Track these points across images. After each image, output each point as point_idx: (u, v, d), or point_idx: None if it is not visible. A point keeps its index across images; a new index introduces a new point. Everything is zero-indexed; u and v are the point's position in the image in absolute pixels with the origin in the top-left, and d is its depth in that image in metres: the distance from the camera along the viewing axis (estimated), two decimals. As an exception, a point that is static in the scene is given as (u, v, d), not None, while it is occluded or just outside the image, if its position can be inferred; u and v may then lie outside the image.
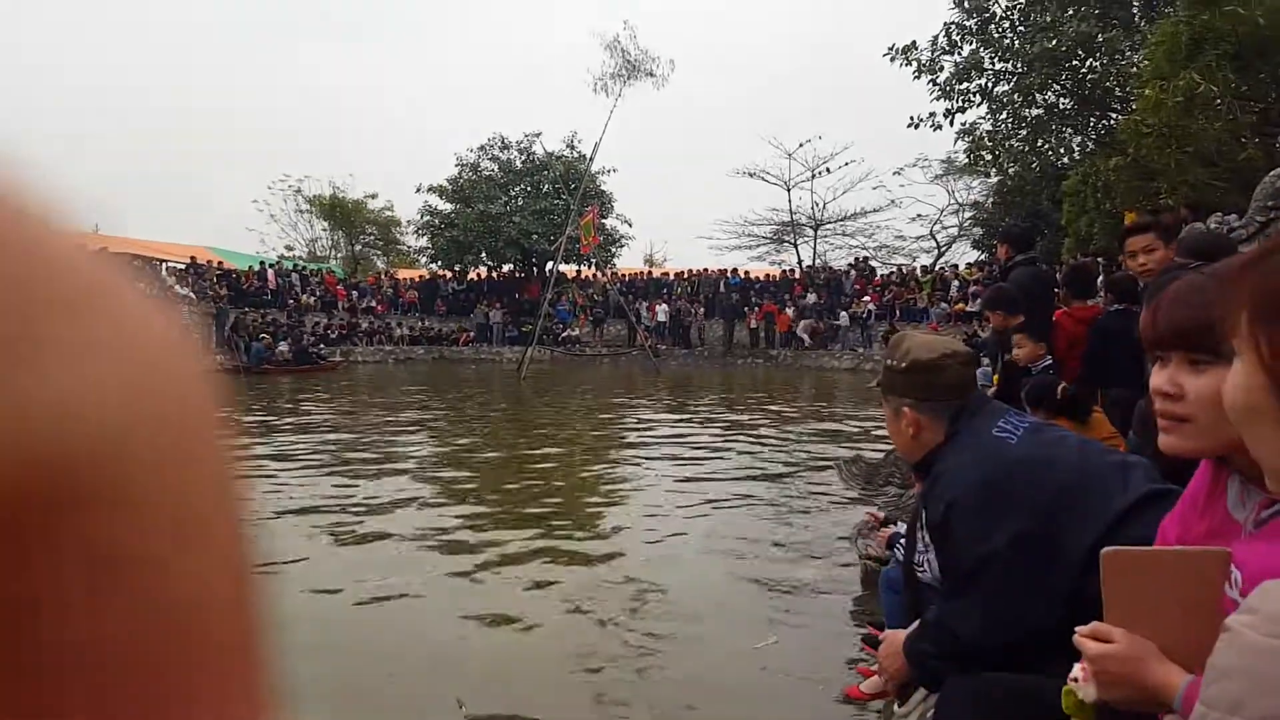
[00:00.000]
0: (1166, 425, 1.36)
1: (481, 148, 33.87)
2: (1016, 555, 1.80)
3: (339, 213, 39.60)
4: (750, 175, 36.60)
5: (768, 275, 33.40)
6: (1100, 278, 9.78)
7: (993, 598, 1.82)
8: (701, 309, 30.03)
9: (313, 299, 29.17)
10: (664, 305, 30.06)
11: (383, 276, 34.36)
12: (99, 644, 0.20)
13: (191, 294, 24.70)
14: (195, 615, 0.21)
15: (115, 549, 0.20)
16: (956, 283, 26.65)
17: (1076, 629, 1.32)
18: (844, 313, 27.57)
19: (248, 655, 0.23)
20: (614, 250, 33.67)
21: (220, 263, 29.47)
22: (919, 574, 2.95)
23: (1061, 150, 19.37)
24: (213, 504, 0.22)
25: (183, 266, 27.89)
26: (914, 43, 18.49)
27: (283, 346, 23.57)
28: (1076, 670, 1.50)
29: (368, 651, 3.93)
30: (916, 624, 2.06)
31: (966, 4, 18.06)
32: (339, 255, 41.34)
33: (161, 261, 28.05)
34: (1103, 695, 1.33)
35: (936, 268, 30.79)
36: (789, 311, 28.22)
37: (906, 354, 2.05)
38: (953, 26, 18.28)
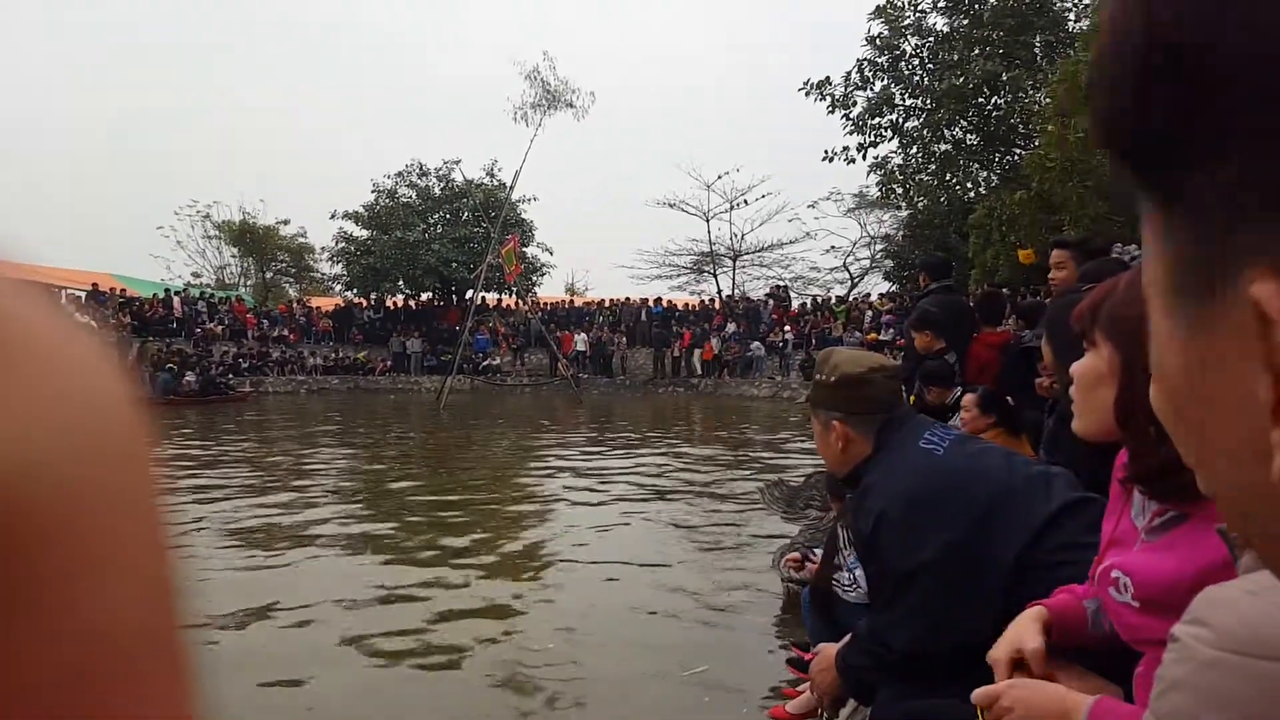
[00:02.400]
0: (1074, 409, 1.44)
1: (399, 174, 33.38)
2: (946, 565, 1.81)
3: (249, 239, 38.55)
4: (670, 205, 37.00)
5: (688, 304, 33.71)
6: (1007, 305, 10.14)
7: (924, 608, 1.83)
8: (624, 338, 30.05)
9: (221, 327, 28.15)
10: (582, 335, 29.94)
11: (295, 304, 33.47)
12: (22, 669, 0.19)
13: (93, 322, 23.56)
14: (118, 639, 0.21)
15: (34, 578, 0.19)
16: (870, 313, 27.34)
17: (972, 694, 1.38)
18: (756, 343, 27.95)
19: (174, 677, 0.23)
20: (535, 279, 33.52)
21: (123, 290, 28.27)
22: (843, 593, 2.96)
23: (969, 185, 20.14)
24: (136, 531, 0.22)
25: (84, 294, 26.66)
26: (828, 78, 19.07)
27: (189, 377, 22.66)
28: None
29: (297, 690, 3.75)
30: (848, 637, 2.05)
31: (878, 41, 18.70)
32: (249, 283, 40.19)
33: (61, 289, 26.80)
34: None
35: (850, 298, 31.56)
36: (713, 341, 28.48)
37: (835, 368, 2.06)
38: (865, 63, 18.92)
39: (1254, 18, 0.22)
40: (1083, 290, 3.31)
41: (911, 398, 5.73)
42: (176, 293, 29.97)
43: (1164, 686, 0.90)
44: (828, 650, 2.14)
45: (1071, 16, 18.08)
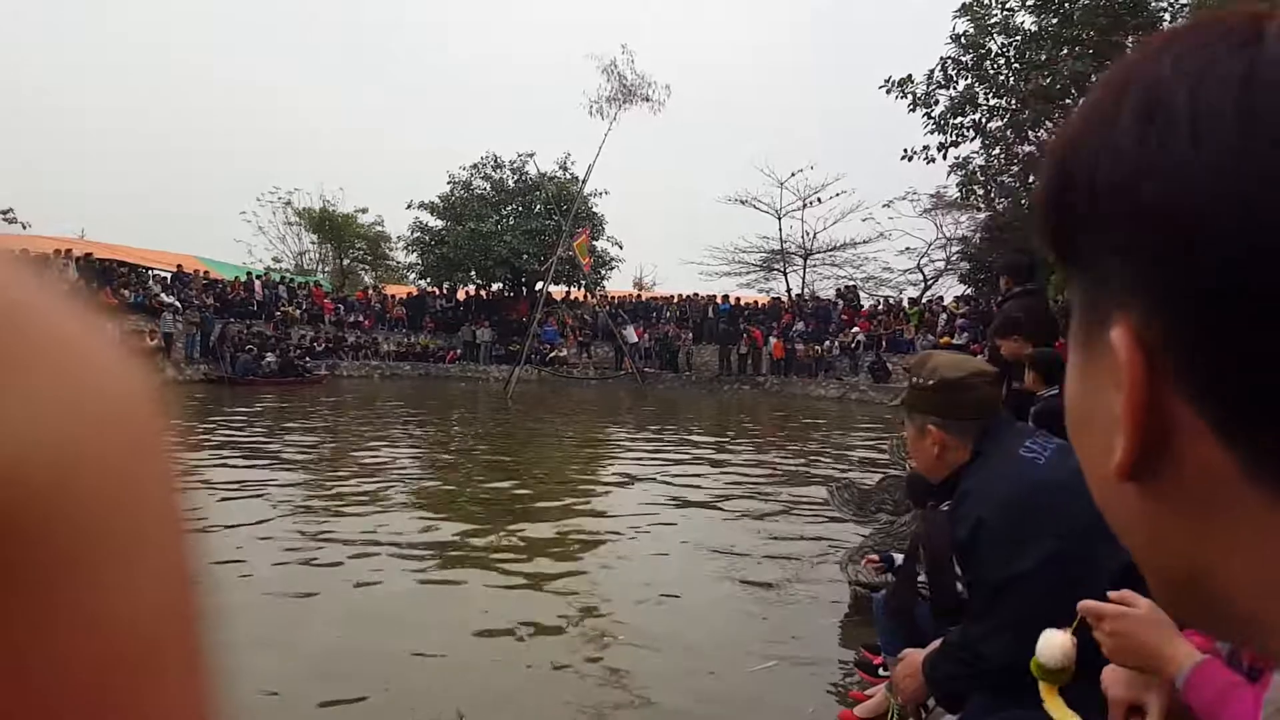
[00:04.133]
0: None
1: (474, 166, 33.86)
2: (1045, 576, 1.78)
3: (328, 226, 39.49)
4: (742, 202, 36.74)
5: (756, 302, 33.48)
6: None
7: (1020, 619, 1.80)
8: (690, 334, 30.02)
9: (299, 311, 28.91)
10: (630, 328, 29.78)
11: (371, 291, 34.20)
12: (39, 662, 0.20)
13: (177, 303, 24.44)
14: (140, 633, 0.22)
15: (50, 570, 0.20)
16: (944, 316, 26.80)
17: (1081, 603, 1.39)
18: (830, 342, 27.66)
19: (193, 667, 0.23)
20: (604, 273, 33.67)
21: (207, 272, 29.16)
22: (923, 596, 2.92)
23: (1051, 188, 19.60)
24: (153, 522, 0.23)
25: (169, 275, 27.65)
26: (910, 76, 18.65)
27: (269, 358, 23.36)
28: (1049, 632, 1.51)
29: (361, 667, 3.86)
30: (938, 643, 2.03)
31: (963, 40, 18.26)
32: (326, 269, 41.18)
33: (148, 269, 27.82)
34: (1110, 656, 1.36)
35: (923, 300, 30.97)
36: (780, 339, 28.28)
37: (934, 372, 2.04)
38: (949, 61, 18.46)
39: (1112, 175, 0.33)
40: None
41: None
42: (257, 276, 30.83)
43: (1274, 709, 0.88)
44: (914, 656, 2.12)
45: (1167, 16, 17.43)
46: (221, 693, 0.24)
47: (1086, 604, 1.42)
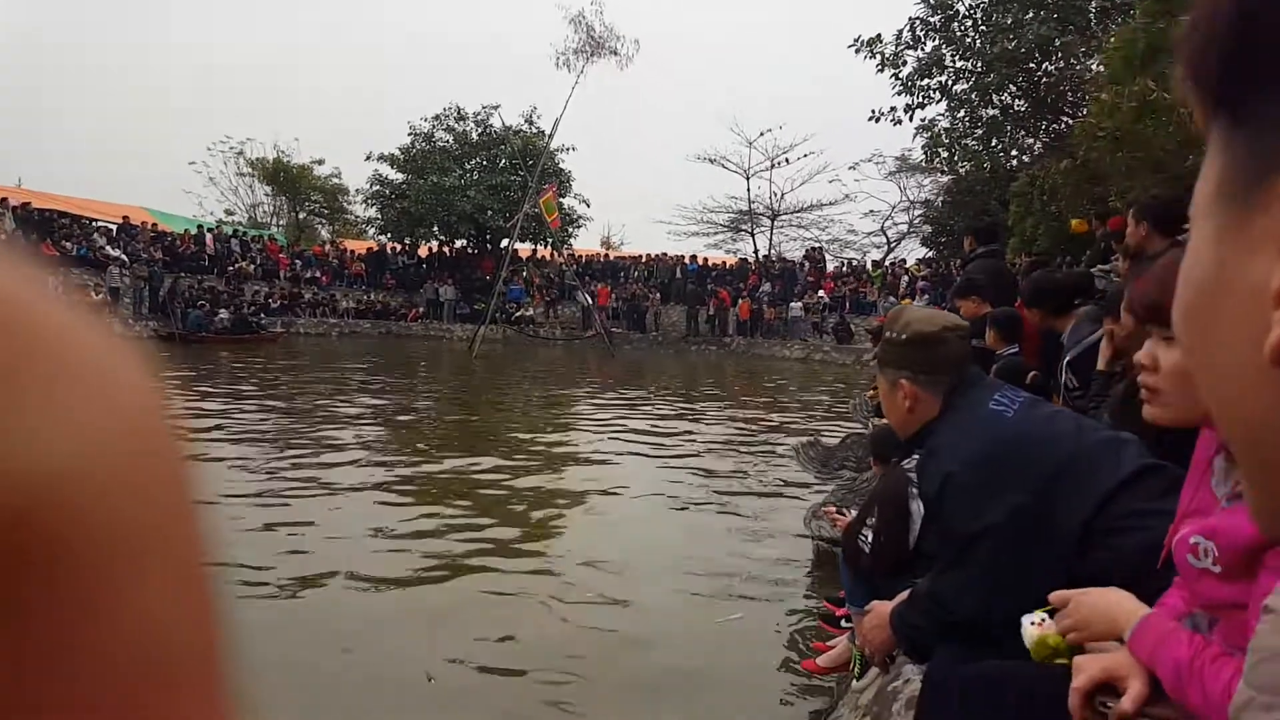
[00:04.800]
0: (1145, 396, 1.44)
1: (436, 117, 32.88)
2: (1012, 529, 1.80)
3: (283, 178, 38.27)
4: (711, 161, 36.43)
5: (724, 263, 33.46)
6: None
7: (988, 571, 1.82)
8: (658, 295, 29.93)
9: (253, 266, 28.02)
10: (582, 293, 29.24)
11: (329, 247, 33.47)
12: (56, 680, 0.20)
13: (124, 256, 23.54)
14: (160, 638, 0.22)
15: (70, 588, 0.20)
16: (905, 278, 27.03)
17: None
18: (796, 304, 27.77)
19: (212, 671, 0.24)
20: (571, 231, 33.30)
21: (155, 224, 28.06)
22: (867, 549, 2.96)
23: (1014, 151, 19.71)
24: (173, 539, 0.23)
25: (115, 227, 26.47)
26: (879, 36, 18.58)
27: (222, 315, 22.71)
28: (1036, 616, 1.55)
29: (323, 638, 3.82)
30: (905, 594, 2.06)
31: (931, 1, 18.20)
32: (281, 222, 40.12)
33: (91, 220, 26.72)
34: (1075, 636, 1.45)
35: (886, 263, 31.18)
36: (745, 300, 28.34)
37: (907, 326, 2.04)
38: (917, 22, 18.41)
39: None
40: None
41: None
42: (209, 229, 29.90)
43: (1260, 657, 0.89)
44: (881, 608, 2.15)
45: (1132, -21, 17.50)
46: (240, 702, 0.24)
47: (1054, 595, 1.50)
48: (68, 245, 22.73)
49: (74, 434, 0.20)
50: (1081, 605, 1.45)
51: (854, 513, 3.94)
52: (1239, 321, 0.32)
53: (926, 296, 23.64)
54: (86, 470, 0.20)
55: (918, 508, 2.49)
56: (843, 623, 3.55)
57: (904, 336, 2.04)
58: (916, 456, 2.15)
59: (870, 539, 2.71)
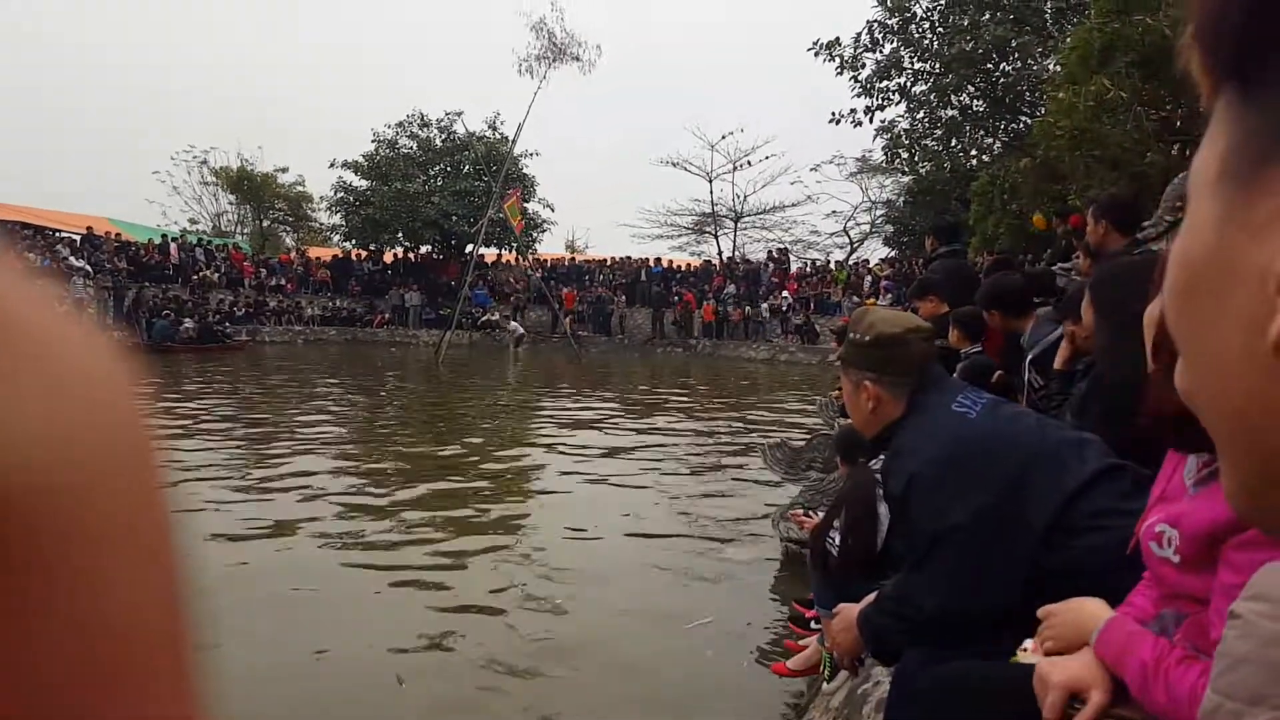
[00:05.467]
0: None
1: (400, 124, 32.78)
2: (977, 529, 1.81)
3: (247, 186, 37.99)
4: (673, 165, 36.61)
5: (688, 265, 33.57)
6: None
7: (954, 571, 1.83)
8: (623, 297, 29.94)
9: (218, 275, 27.85)
10: (514, 324, 28.45)
11: (294, 254, 33.15)
12: (25, 667, 0.20)
13: (88, 267, 23.26)
14: (123, 638, 0.22)
15: (38, 575, 0.20)
16: (869, 278, 27.26)
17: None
18: (763, 305, 27.90)
19: (179, 658, 0.23)
20: (536, 235, 33.25)
21: (119, 234, 27.81)
22: (834, 551, 2.97)
23: (973, 151, 19.97)
24: (140, 528, 0.22)
25: (78, 238, 26.26)
26: (838, 39, 18.75)
27: (187, 324, 22.47)
28: (1027, 643, 1.56)
29: (295, 639, 3.78)
30: (872, 596, 2.06)
31: (889, 3, 18.39)
32: (245, 230, 39.74)
33: (55, 231, 26.42)
34: (1051, 646, 1.46)
35: (850, 263, 31.45)
36: (712, 302, 28.43)
37: (871, 327, 2.05)
38: (875, 24, 18.61)
39: None
40: (1137, 253, 3.27)
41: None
42: (173, 239, 29.60)
43: (1227, 663, 0.89)
44: (849, 610, 2.14)
45: (1087, -18, 17.81)
46: (208, 690, 0.24)
47: (1042, 610, 1.52)
48: (31, 257, 22.31)
49: (41, 424, 0.20)
50: (1055, 616, 1.47)
51: (821, 514, 3.96)
52: (1237, 306, 0.30)
53: (890, 295, 23.87)
54: (54, 460, 0.20)
55: (885, 509, 2.50)
56: (812, 624, 3.56)
57: (868, 338, 2.04)
58: (883, 457, 2.16)
59: (838, 541, 2.72)
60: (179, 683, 0.23)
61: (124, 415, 0.23)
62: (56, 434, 0.20)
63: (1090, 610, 1.44)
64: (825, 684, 2.99)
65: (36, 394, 0.20)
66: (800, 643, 3.60)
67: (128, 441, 0.22)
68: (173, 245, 28.56)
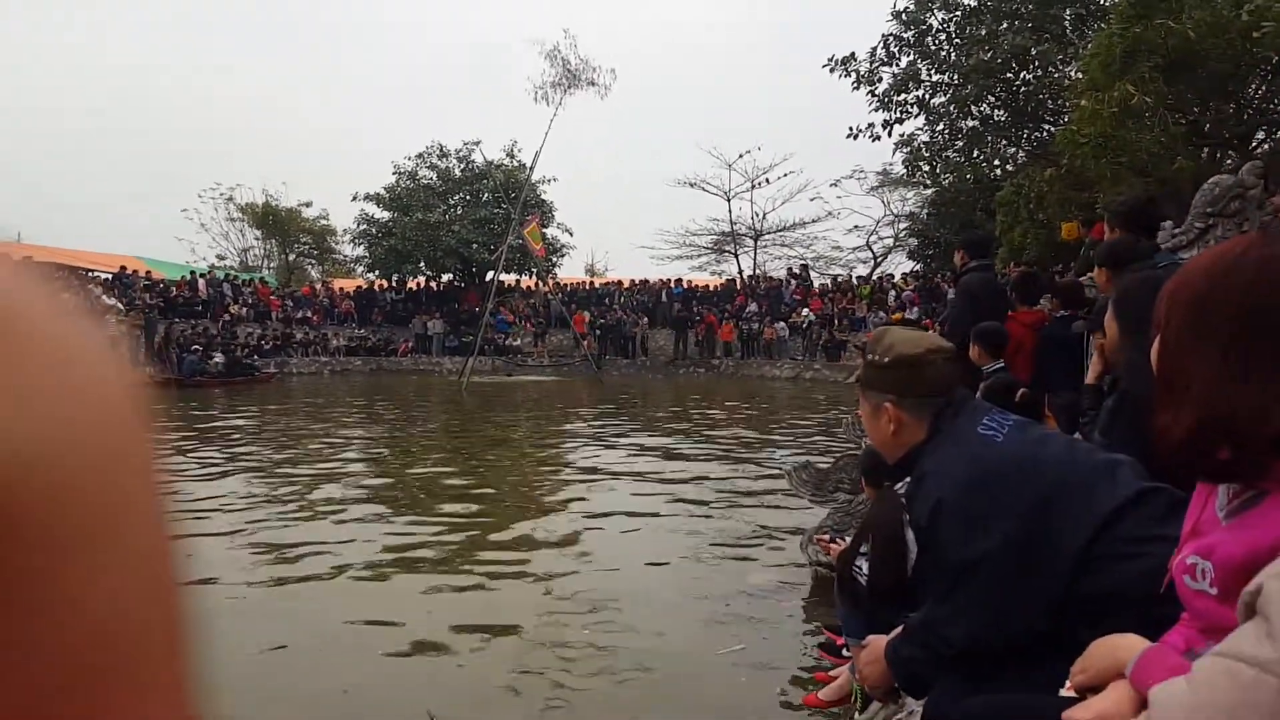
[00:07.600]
0: None
1: (419, 155, 33.34)
2: (1006, 557, 1.73)
3: (272, 221, 38.63)
4: (691, 185, 36.74)
5: (709, 285, 33.53)
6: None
7: (982, 601, 1.75)
8: (645, 319, 29.95)
9: (245, 309, 28.33)
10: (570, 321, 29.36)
11: (318, 286, 33.56)
12: (19, 662, 0.20)
13: (119, 305, 23.69)
14: (117, 632, 0.21)
15: (31, 570, 0.20)
16: (894, 292, 27.06)
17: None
18: (781, 323, 27.76)
19: (173, 671, 0.23)
20: (555, 259, 33.44)
21: (149, 272, 28.44)
22: (862, 579, 2.89)
23: (996, 161, 19.82)
24: (134, 523, 0.22)
25: (110, 276, 26.84)
26: (853, 54, 18.75)
27: (216, 358, 22.82)
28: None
29: (325, 670, 3.73)
30: (900, 629, 1.97)
31: (904, 16, 18.35)
32: (272, 265, 40.32)
33: (88, 271, 27.00)
34: (1084, 687, 1.37)
35: (874, 277, 31.26)
36: (734, 321, 28.35)
37: (890, 349, 1.97)
38: (891, 38, 18.57)
39: None
40: (1160, 268, 3.18)
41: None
42: (201, 275, 30.12)
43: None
44: (877, 642, 2.06)
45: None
46: (201, 684, 0.24)
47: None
48: (65, 298, 22.76)
49: (38, 421, 0.20)
50: (1092, 650, 1.41)
51: (848, 539, 3.87)
52: None
53: (917, 309, 23.64)
54: (49, 457, 0.20)
55: (912, 535, 2.41)
56: (844, 651, 3.47)
57: (887, 359, 1.97)
58: (907, 482, 2.08)
59: (865, 569, 2.63)
60: (175, 683, 0.23)
61: (117, 414, 0.22)
62: (47, 431, 0.20)
63: (1127, 644, 1.37)
64: (857, 715, 2.89)
65: (26, 392, 0.20)
66: (831, 673, 3.51)
67: (121, 440, 0.22)
68: (201, 281, 29.08)
